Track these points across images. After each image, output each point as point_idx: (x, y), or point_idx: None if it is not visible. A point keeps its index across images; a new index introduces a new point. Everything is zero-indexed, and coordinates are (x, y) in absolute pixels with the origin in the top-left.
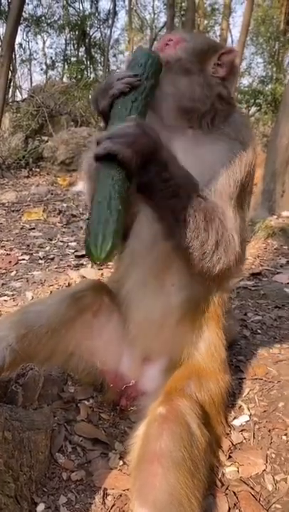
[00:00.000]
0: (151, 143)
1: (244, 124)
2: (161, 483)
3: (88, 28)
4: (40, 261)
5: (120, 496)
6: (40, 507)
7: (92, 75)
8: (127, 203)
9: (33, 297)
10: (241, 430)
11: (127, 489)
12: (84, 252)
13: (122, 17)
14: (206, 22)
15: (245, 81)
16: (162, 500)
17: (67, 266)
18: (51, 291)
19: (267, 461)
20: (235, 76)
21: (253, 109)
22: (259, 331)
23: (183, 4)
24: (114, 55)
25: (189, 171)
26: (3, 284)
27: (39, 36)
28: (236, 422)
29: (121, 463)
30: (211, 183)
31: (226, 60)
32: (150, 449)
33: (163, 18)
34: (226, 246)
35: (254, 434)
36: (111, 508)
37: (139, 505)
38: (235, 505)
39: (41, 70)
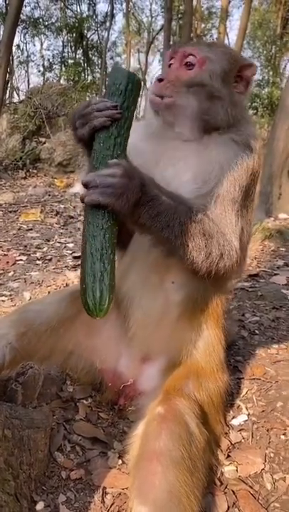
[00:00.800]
0: (138, 188)
1: (252, 132)
2: (160, 481)
3: (86, 31)
4: (37, 261)
5: (119, 494)
6: (40, 505)
7: (90, 77)
8: (115, 245)
9: (30, 298)
10: (240, 430)
11: (126, 488)
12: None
13: (120, 20)
14: (203, 25)
15: None
16: (162, 498)
17: (65, 267)
18: (49, 292)
19: (265, 461)
20: (252, 86)
21: (250, 112)
22: (257, 331)
23: (180, 8)
24: (112, 58)
25: (196, 173)
26: (0, 285)
27: (37, 38)
28: (235, 422)
29: (120, 462)
30: (217, 186)
31: (247, 75)
32: (149, 448)
33: (160, 21)
34: (228, 254)
35: (252, 433)
36: (110, 506)
37: (138, 504)
38: (234, 503)
39: (39, 71)
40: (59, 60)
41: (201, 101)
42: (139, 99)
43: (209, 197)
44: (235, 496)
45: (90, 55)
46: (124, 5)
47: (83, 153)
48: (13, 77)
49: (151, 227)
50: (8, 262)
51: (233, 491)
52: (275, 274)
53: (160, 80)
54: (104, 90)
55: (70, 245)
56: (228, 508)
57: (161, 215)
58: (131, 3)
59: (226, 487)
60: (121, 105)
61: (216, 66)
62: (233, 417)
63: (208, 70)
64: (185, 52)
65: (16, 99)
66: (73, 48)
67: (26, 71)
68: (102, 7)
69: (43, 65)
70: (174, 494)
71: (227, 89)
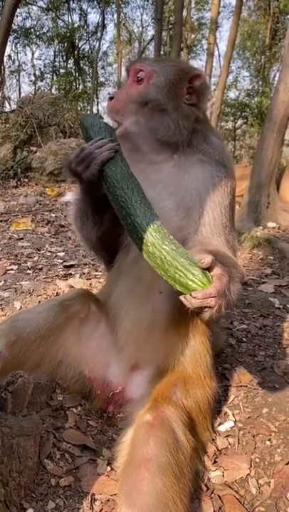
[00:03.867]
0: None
1: (223, 147)
2: (148, 487)
3: (77, 40)
4: (28, 271)
5: (108, 500)
6: None
7: (81, 87)
8: None
9: (21, 307)
10: (226, 436)
11: (115, 494)
12: (72, 262)
13: (111, 30)
14: (193, 36)
15: (232, 94)
16: (149, 504)
17: (56, 276)
18: (40, 301)
19: (251, 466)
20: (207, 96)
21: (240, 121)
22: (244, 339)
23: (171, 18)
24: (103, 67)
25: (176, 201)
26: None
27: (28, 48)
28: (221, 428)
29: (109, 469)
30: (203, 215)
31: (197, 86)
32: (137, 455)
33: (151, 32)
34: (241, 277)
35: (239, 439)
36: None
37: (126, 509)
38: (220, 508)
39: (30, 81)
40: (50, 69)
41: (150, 117)
42: None
43: (204, 230)
44: (222, 501)
45: (82, 65)
46: (115, 15)
47: (85, 193)
48: (5, 87)
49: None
50: None
51: (219, 496)
52: (263, 283)
53: (111, 99)
54: (95, 100)
55: (61, 254)
56: None
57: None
58: (122, 14)
59: (212, 492)
60: (114, 138)
61: (161, 78)
62: (220, 424)
63: (154, 83)
64: (136, 69)
65: (7, 108)
66: (65, 58)
67: (18, 80)
68: (94, 17)
69: (35, 75)
70: (161, 499)
71: (176, 101)
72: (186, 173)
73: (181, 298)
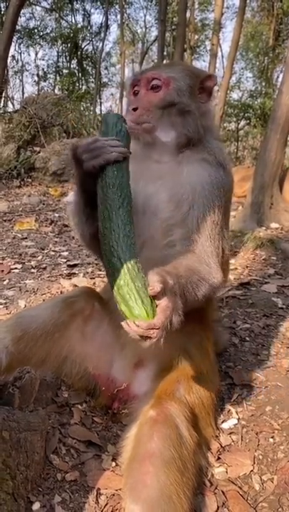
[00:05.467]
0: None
1: (222, 148)
2: (152, 480)
3: (80, 41)
4: (32, 270)
5: (113, 495)
6: (36, 505)
7: (84, 87)
8: None
9: (25, 305)
10: (230, 433)
11: (120, 489)
12: (76, 262)
13: (114, 31)
14: (196, 37)
15: (235, 95)
16: (153, 497)
17: (60, 275)
18: (44, 300)
19: (254, 462)
20: (214, 94)
21: (243, 122)
22: (247, 338)
23: (174, 19)
24: (106, 68)
25: (170, 194)
26: None
27: (31, 48)
28: (225, 425)
29: (114, 464)
30: (193, 210)
31: (209, 86)
32: (141, 450)
33: (154, 32)
34: (212, 283)
35: (242, 436)
36: (104, 507)
37: (131, 502)
38: (223, 504)
39: (34, 81)
40: (53, 69)
41: (175, 118)
42: None
43: (190, 223)
44: (225, 497)
45: (85, 65)
46: (118, 16)
47: (80, 184)
48: (8, 87)
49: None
50: (3, 271)
51: (222, 492)
52: (266, 283)
53: (134, 109)
54: (98, 100)
55: (65, 254)
56: (218, 507)
57: (187, 301)
58: (125, 15)
59: (216, 488)
60: (128, 146)
61: (180, 83)
62: (224, 421)
63: (174, 88)
64: (148, 78)
65: (10, 108)
66: (68, 58)
67: (21, 80)
68: (97, 18)
69: (38, 75)
70: (165, 493)
71: (195, 102)
72: (185, 169)
73: (123, 324)
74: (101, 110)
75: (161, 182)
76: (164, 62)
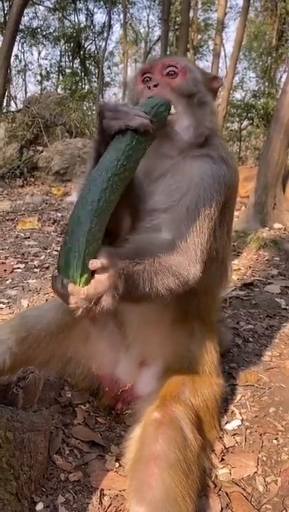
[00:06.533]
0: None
1: (225, 146)
2: (157, 482)
3: (83, 40)
4: (35, 269)
5: (117, 496)
6: (40, 506)
7: (87, 87)
8: None
9: (28, 305)
10: (233, 434)
11: (123, 490)
12: None
13: (117, 30)
14: (199, 37)
15: (238, 95)
16: (158, 499)
17: None
18: (47, 299)
19: (258, 464)
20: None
21: (246, 122)
22: (251, 339)
23: (177, 19)
24: (109, 67)
25: (166, 186)
26: None
27: (34, 47)
28: (229, 427)
29: (117, 465)
30: (184, 200)
31: (214, 87)
32: (146, 452)
33: (157, 32)
34: (183, 280)
35: (246, 438)
36: (108, 507)
37: (136, 504)
38: (227, 505)
39: (36, 81)
40: (56, 69)
41: (196, 110)
42: None
43: (178, 210)
44: (229, 498)
45: (87, 65)
46: (121, 15)
47: (94, 146)
48: (11, 86)
49: (134, 297)
50: (5, 270)
51: (226, 493)
52: (270, 283)
53: (155, 86)
54: (101, 100)
55: None
56: (222, 509)
57: (137, 288)
58: (128, 14)
59: (219, 489)
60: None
61: (197, 74)
62: (227, 422)
63: (191, 78)
64: (165, 64)
65: (13, 107)
66: (71, 58)
67: (24, 80)
68: (100, 17)
69: (41, 74)
70: (170, 495)
71: (209, 95)
72: (187, 163)
73: (52, 276)
74: None
75: (163, 177)
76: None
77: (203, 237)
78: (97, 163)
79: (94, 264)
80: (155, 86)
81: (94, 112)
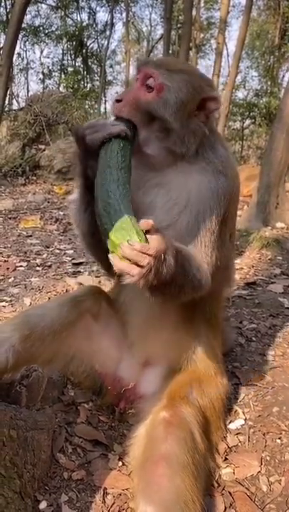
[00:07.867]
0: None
1: (228, 156)
2: (167, 483)
3: (85, 39)
4: (37, 268)
5: (120, 495)
6: (43, 504)
7: (89, 85)
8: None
9: (31, 303)
10: (237, 434)
11: (127, 489)
12: (81, 260)
13: (119, 29)
14: (202, 35)
15: (240, 94)
16: (168, 500)
17: (65, 273)
18: (49, 298)
19: (261, 463)
20: (216, 115)
21: (248, 121)
22: (254, 338)
23: (180, 18)
24: (111, 66)
25: (165, 201)
26: (1, 291)
27: (37, 46)
28: (232, 426)
29: (120, 464)
30: (184, 216)
31: (210, 108)
32: (155, 451)
33: (160, 31)
34: (201, 286)
35: (249, 437)
36: (111, 506)
37: (144, 504)
38: (231, 505)
39: (39, 79)
40: (58, 67)
41: (155, 130)
42: None
43: (179, 227)
44: (232, 498)
45: (90, 63)
46: (124, 14)
47: (81, 166)
48: (13, 85)
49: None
50: (8, 268)
51: (230, 493)
52: (272, 283)
53: (118, 101)
54: (103, 98)
55: (70, 252)
56: (225, 508)
57: (179, 272)
58: (131, 13)
59: (223, 489)
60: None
61: (172, 96)
62: (231, 422)
63: (163, 98)
64: (147, 73)
65: (15, 106)
66: (73, 56)
67: (26, 78)
68: (102, 16)
69: (43, 73)
70: (181, 497)
71: (183, 119)
72: (184, 177)
73: (111, 257)
74: (106, 108)
75: (158, 188)
76: (177, 59)
77: (207, 251)
78: (97, 167)
79: (147, 222)
80: (118, 101)
81: (96, 111)
